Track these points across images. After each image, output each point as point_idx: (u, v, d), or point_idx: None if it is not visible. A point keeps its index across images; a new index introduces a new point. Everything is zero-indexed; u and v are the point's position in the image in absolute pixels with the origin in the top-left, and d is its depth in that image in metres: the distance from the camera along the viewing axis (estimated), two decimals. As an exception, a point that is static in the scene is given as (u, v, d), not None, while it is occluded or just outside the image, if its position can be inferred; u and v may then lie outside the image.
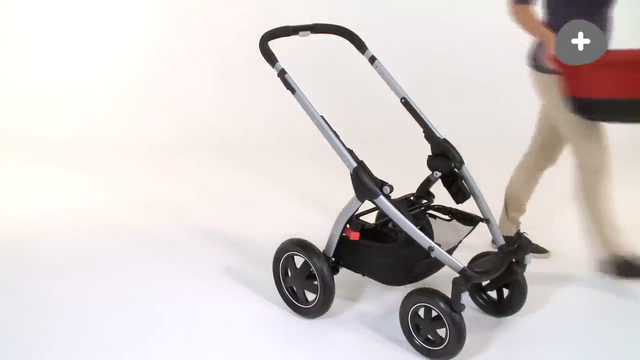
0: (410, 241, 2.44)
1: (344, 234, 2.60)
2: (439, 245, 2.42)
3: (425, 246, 2.41)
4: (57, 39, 5.72)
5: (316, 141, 2.99)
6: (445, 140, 2.70)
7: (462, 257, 2.53)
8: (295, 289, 2.77)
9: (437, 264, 2.60)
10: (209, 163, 4.88)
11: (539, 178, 3.26)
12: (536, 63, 2.94)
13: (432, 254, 2.41)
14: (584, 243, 3.04)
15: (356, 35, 2.86)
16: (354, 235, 2.57)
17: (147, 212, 3.91)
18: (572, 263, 3.25)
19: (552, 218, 3.73)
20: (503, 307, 2.74)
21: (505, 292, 2.72)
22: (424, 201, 2.77)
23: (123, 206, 4.03)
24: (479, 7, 5.40)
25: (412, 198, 2.79)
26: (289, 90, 2.61)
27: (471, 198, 2.68)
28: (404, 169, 3.40)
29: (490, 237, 2.70)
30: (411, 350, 2.50)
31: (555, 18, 2.81)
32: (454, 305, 2.34)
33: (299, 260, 2.73)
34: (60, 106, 5.57)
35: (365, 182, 2.46)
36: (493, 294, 2.76)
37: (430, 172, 2.73)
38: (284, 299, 2.81)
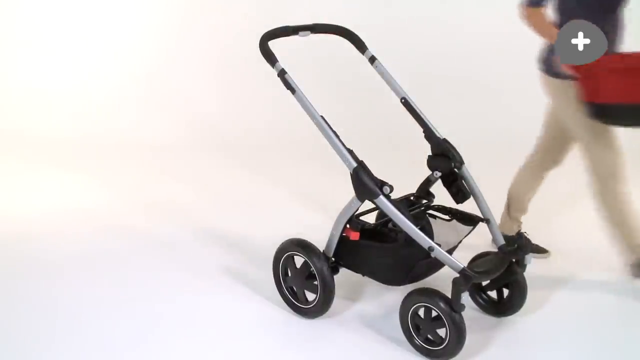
0: (410, 241, 2.44)
1: (344, 234, 2.60)
2: (439, 245, 2.42)
3: (425, 246, 2.41)
4: (57, 39, 5.72)
5: (316, 141, 2.99)
6: (445, 140, 2.70)
7: (462, 257, 2.53)
8: (295, 289, 2.77)
9: (437, 264, 2.60)
10: (209, 163, 4.88)
11: (544, 178, 3.25)
12: (548, 67, 2.92)
13: (432, 254, 2.41)
14: (584, 243, 3.05)
15: (356, 35, 2.86)
16: (354, 235, 2.57)
17: (147, 212, 3.91)
18: (572, 263, 3.25)
19: (553, 218, 3.73)
20: (503, 307, 2.74)
21: (505, 292, 2.72)
22: (424, 201, 2.77)
23: (123, 206, 4.03)
24: (479, 7, 5.40)
25: (412, 198, 2.79)
26: (289, 90, 2.61)
27: (471, 198, 2.68)
28: (404, 169, 3.40)
29: (490, 237, 2.70)
30: (411, 350, 2.50)
31: (567, 21, 2.75)
32: (454, 305, 2.34)
33: (299, 260, 2.73)
34: (60, 106, 5.56)
35: (365, 182, 2.46)
36: (493, 294, 2.76)
37: (430, 172, 2.73)
38: (284, 299, 2.81)
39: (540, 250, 3.28)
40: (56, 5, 5.68)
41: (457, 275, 2.36)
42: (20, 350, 2.55)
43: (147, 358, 2.52)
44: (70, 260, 3.28)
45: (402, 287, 2.71)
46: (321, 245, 2.68)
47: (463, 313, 2.36)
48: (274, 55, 2.63)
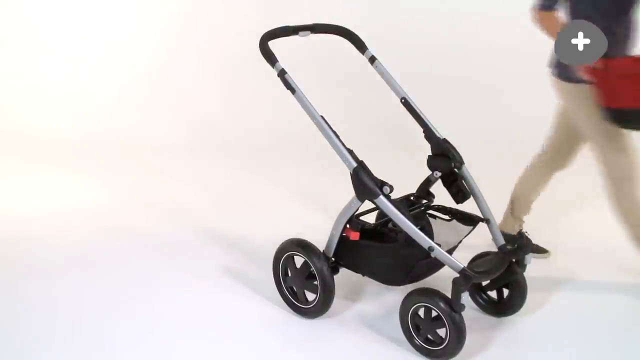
0: (410, 241, 2.44)
1: (344, 234, 2.60)
2: (439, 245, 2.42)
3: (425, 246, 2.41)
4: (57, 39, 5.72)
5: (316, 141, 2.99)
6: (445, 140, 2.70)
7: (462, 257, 2.53)
8: (295, 289, 2.77)
9: (437, 264, 2.60)
10: (209, 163, 4.88)
11: (550, 179, 3.23)
12: (560, 71, 2.90)
13: (432, 254, 2.41)
14: (584, 243, 3.05)
15: (356, 35, 2.86)
16: (354, 235, 2.57)
17: (147, 212, 3.91)
18: (573, 263, 3.25)
19: (553, 218, 3.73)
20: (503, 307, 2.74)
21: (505, 292, 2.72)
22: (424, 201, 2.77)
23: (123, 206, 4.03)
24: (479, 7, 5.40)
25: (412, 198, 2.79)
26: (289, 90, 2.61)
27: (471, 198, 2.68)
28: (404, 169, 3.40)
29: (490, 237, 2.69)
30: (411, 350, 2.50)
31: None
32: (454, 305, 2.34)
33: (299, 260, 2.73)
34: (60, 106, 5.57)
35: (365, 182, 2.46)
36: (493, 294, 2.76)
37: (430, 172, 2.73)
38: (284, 299, 2.81)
39: (540, 250, 3.28)
40: (56, 5, 5.68)
41: (457, 275, 2.36)
42: (20, 350, 2.55)
43: (147, 358, 2.52)
44: (70, 260, 3.28)
45: (402, 287, 2.71)
46: (321, 245, 2.68)
47: (463, 313, 2.36)
48: (274, 55, 2.63)
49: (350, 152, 2.52)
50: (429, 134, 2.73)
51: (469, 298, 2.76)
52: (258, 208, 4.02)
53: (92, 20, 5.73)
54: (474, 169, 2.72)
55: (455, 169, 2.66)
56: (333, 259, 2.68)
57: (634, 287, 3.01)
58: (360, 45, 2.85)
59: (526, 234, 3.15)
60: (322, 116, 2.57)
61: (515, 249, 2.61)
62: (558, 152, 3.16)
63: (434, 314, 2.39)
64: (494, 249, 2.67)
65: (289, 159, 4.93)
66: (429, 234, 2.66)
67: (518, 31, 5.18)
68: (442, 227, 2.73)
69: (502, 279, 2.64)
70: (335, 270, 2.69)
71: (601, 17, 2.70)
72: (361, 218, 2.71)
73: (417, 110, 2.75)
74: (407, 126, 3.08)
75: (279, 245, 2.77)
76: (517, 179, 3.30)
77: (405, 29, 5.49)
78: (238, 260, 3.29)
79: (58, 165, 4.72)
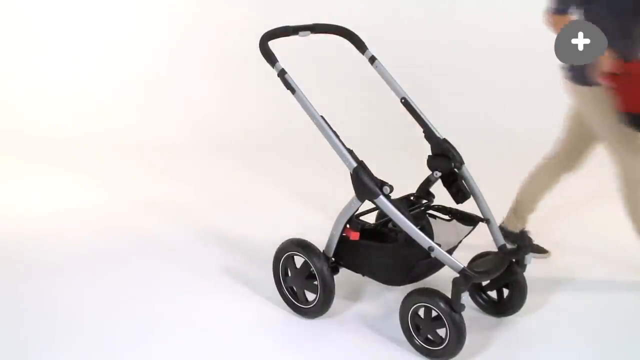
0: (410, 241, 2.44)
1: (344, 234, 2.60)
2: (439, 245, 2.42)
3: (425, 246, 2.41)
4: (56, 38, 5.72)
5: (316, 141, 2.99)
6: (445, 140, 2.70)
7: (462, 257, 2.53)
8: (295, 289, 2.77)
9: (437, 264, 2.60)
10: (209, 163, 4.88)
11: (559, 181, 3.20)
12: (574, 74, 2.89)
13: (432, 254, 2.41)
14: (584, 244, 3.04)
15: (356, 35, 2.86)
16: (354, 235, 2.57)
17: (147, 212, 3.91)
18: (573, 263, 3.25)
19: (553, 218, 3.72)
20: (503, 307, 2.74)
21: (505, 292, 2.72)
22: (424, 201, 2.77)
23: (123, 206, 4.03)
24: (479, 7, 5.40)
25: (412, 198, 2.79)
26: (289, 90, 2.61)
27: (471, 198, 2.68)
28: (404, 169, 3.40)
29: (490, 237, 2.69)
30: (411, 350, 2.50)
31: (603, 30, 2.67)
32: (454, 305, 2.34)
33: (299, 260, 2.73)
34: (60, 106, 5.56)
35: (365, 182, 2.46)
36: (493, 294, 2.76)
37: (430, 172, 2.73)
38: (284, 299, 2.81)
39: (540, 251, 3.28)
40: (56, 5, 5.68)
41: (457, 275, 2.36)
42: (20, 350, 2.55)
43: (147, 358, 2.52)
44: (70, 261, 3.28)
45: (402, 287, 2.71)
46: (321, 245, 2.68)
47: (463, 313, 2.36)
48: (274, 55, 2.63)
49: (350, 152, 2.52)
50: (429, 134, 2.73)
51: (469, 298, 2.76)
52: (258, 208, 4.02)
53: (92, 20, 5.73)
54: (474, 169, 2.72)
55: (455, 169, 2.66)
56: (333, 259, 2.68)
57: (635, 287, 3.01)
58: (360, 45, 2.85)
59: (528, 233, 3.14)
60: (322, 116, 2.57)
61: (515, 249, 2.61)
62: (568, 155, 3.13)
63: (434, 314, 2.39)
64: (494, 249, 2.67)
65: (289, 159, 4.93)
66: (429, 234, 2.66)
67: (518, 31, 5.21)
68: (442, 227, 2.73)
69: (502, 279, 2.64)
70: (335, 270, 2.69)
71: (616, 18, 2.69)
72: (361, 218, 2.71)
73: (417, 110, 2.75)
74: (407, 126, 3.08)
75: (279, 245, 2.77)
76: (524, 179, 3.28)
77: (405, 29, 5.49)
78: (238, 260, 3.28)
79: (58, 165, 4.72)
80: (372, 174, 2.48)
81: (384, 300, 2.89)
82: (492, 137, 5.00)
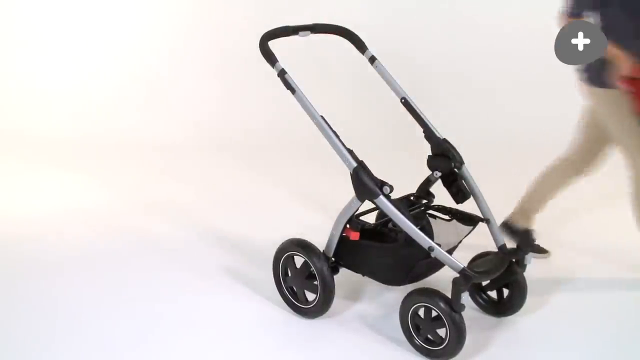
0: (410, 241, 2.44)
1: (344, 234, 2.60)
2: (439, 245, 2.42)
3: (425, 246, 2.41)
4: (56, 38, 5.72)
5: (316, 141, 2.98)
6: (445, 140, 2.70)
7: (462, 257, 2.53)
8: (295, 289, 2.77)
9: (437, 264, 2.60)
10: (209, 163, 4.88)
11: (572, 184, 3.17)
12: (591, 76, 2.87)
13: (432, 254, 2.41)
14: (584, 244, 3.04)
15: (356, 35, 2.86)
16: (354, 235, 2.57)
17: (147, 212, 3.91)
18: (573, 263, 3.25)
19: (553, 218, 3.72)
20: (503, 307, 2.74)
21: (505, 292, 2.72)
22: (424, 201, 2.77)
23: (123, 206, 4.03)
24: (479, 7, 5.40)
25: (412, 198, 2.79)
26: (289, 90, 2.61)
27: (471, 198, 2.68)
28: (404, 169, 3.40)
29: (490, 237, 2.69)
30: (411, 350, 2.50)
31: (615, 33, 2.68)
32: (454, 305, 2.34)
33: (299, 260, 2.73)
34: (60, 106, 5.56)
35: (365, 182, 2.46)
36: (493, 294, 2.76)
37: (430, 172, 2.73)
38: (284, 299, 2.81)
39: (540, 251, 3.28)
40: (56, 5, 5.68)
41: (457, 275, 2.36)
42: (20, 350, 2.55)
43: (147, 358, 2.52)
44: (70, 261, 3.28)
45: (402, 287, 2.71)
46: (321, 246, 2.68)
47: (463, 313, 2.36)
48: (274, 55, 2.63)
49: (350, 152, 2.52)
50: (429, 134, 2.73)
51: (469, 298, 2.76)
52: (258, 208, 4.02)
53: (93, 20, 5.72)
54: (474, 169, 2.72)
55: (455, 169, 2.66)
56: (333, 259, 2.68)
57: (635, 287, 3.00)
58: (360, 45, 2.85)
59: (532, 232, 3.11)
60: (322, 116, 2.57)
61: (515, 249, 2.61)
62: (582, 158, 3.10)
63: (434, 314, 2.39)
64: (494, 249, 2.67)
65: (289, 159, 4.93)
66: (429, 234, 2.66)
67: (518, 31, 5.21)
68: (442, 227, 2.73)
69: (502, 279, 2.64)
70: (335, 270, 2.69)
71: (633, 20, 2.68)
72: (361, 218, 2.71)
73: (417, 110, 2.75)
74: (407, 126, 3.08)
75: (279, 245, 2.77)
76: (535, 177, 3.24)
77: (405, 29, 5.49)
78: (238, 260, 3.28)
79: (58, 165, 4.72)
80: (372, 174, 2.48)
81: (384, 300, 2.89)
82: (492, 137, 5.00)
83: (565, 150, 3.17)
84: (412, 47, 5.43)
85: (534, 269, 2.78)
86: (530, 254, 2.61)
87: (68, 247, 3.43)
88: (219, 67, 5.68)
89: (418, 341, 2.48)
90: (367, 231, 2.65)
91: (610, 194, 3.56)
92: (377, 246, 2.61)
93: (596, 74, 2.82)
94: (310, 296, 2.71)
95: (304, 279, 2.70)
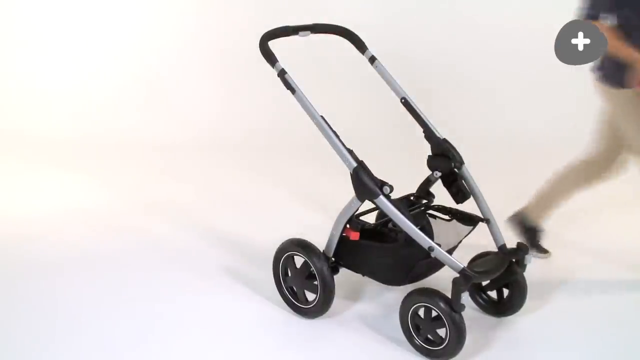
0: (410, 241, 2.44)
1: (344, 234, 2.60)
2: (439, 245, 2.42)
3: (425, 246, 2.41)
4: (56, 38, 5.72)
5: (316, 141, 2.99)
6: (445, 140, 2.70)
7: (462, 257, 2.53)
8: (295, 289, 2.77)
9: (437, 264, 2.60)
10: (209, 163, 4.88)
11: (583, 189, 3.14)
12: (607, 76, 2.85)
13: (432, 254, 2.41)
14: (584, 244, 3.03)
15: (356, 35, 2.86)
16: (354, 235, 2.57)
17: (147, 212, 3.91)
18: (573, 263, 3.25)
19: (553, 218, 3.72)
20: (503, 307, 2.74)
21: (505, 292, 2.72)
22: (424, 201, 2.77)
23: (123, 206, 4.03)
24: (479, 7, 5.40)
25: (412, 198, 2.79)
26: (289, 91, 2.61)
27: (471, 198, 2.68)
28: (404, 169, 3.40)
29: (490, 237, 2.69)
30: (411, 350, 2.50)
31: (628, 30, 2.68)
32: (454, 305, 2.34)
33: (299, 260, 2.73)
34: (60, 106, 5.56)
35: (365, 182, 2.46)
36: (493, 294, 2.76)
37: (430, 172, 2.73)
38: (284, 299, 2.81)
39: (541, 251, 3.28)
40: (56, 5, 5.68)
41: (457, 275, 2.36)
42: (20, 350, 2.55)
43: (147, 358, 2.52)
44: (70, 261, 3.28)
45: (402, 287, 2.71)
46: (321, 246, 2.68)
47: (463, 313, 2.36)
48: (274, 55, 2.63)
49: (350, 152, 2.52)
50: (429, 134, 2.73)
51: (469, 298, 2.76)
52: (258, 208, 4.02)
53: (93, 20, 5.72)
54: (474, 169, 2.72)
55: (455, 169, 2.66)
56: (333, 259, 2.68)
57: (635, 287, 3.00)
58: (360, 45, 2.85)
59: (540, 232, 3.09)
60: (322, 116, 2.57)
61: (515, 249, 2.61)
62: (603, 163, 3.06)
63: (434, 314, 2.39)
64: (494, 249, 2.67)
65: (289, 159, 4.93)
66: (429, 234, 2.66)
67: (518, 31, 5.21)
68: (442, 227, 2.73)
69: (502, 279, 2.64)
70: (335, 270, 2.69)
71: None
72: (361, 218, 2.71)
73: (417, 110, 2.75)
74: (407, 126, 3.08)
75: (279, 245, 2.77)
76: (551, 177, 3.20)
77: (405, 29, 5.49)
78: (238, 260, 3.28)
79: (58, 165, 4.72)
80: (372, 174, 2.48)
81: (384, 300, 2.89)
82: (492, 137, 5.01)
83: (587, 154, 3.11)
84: (412, 47, 5.43)
85: (534, 269, 2.79)
86: (531, 253, 2.61)
87: (68, 247, 3.44)
88: (219, 67, 5.68)
89: (418, 341, 2.48)
90: (367, 231, 2.65)
91: (610, 194, 3.55)
92: (377, 246, 2.61)
93: (610, 72, 2.82)
94: (310, 296, 2.71)
95: (304, 279, 2.70)
